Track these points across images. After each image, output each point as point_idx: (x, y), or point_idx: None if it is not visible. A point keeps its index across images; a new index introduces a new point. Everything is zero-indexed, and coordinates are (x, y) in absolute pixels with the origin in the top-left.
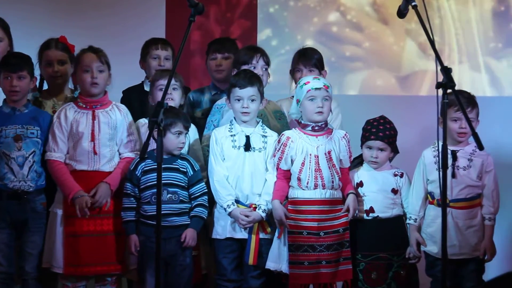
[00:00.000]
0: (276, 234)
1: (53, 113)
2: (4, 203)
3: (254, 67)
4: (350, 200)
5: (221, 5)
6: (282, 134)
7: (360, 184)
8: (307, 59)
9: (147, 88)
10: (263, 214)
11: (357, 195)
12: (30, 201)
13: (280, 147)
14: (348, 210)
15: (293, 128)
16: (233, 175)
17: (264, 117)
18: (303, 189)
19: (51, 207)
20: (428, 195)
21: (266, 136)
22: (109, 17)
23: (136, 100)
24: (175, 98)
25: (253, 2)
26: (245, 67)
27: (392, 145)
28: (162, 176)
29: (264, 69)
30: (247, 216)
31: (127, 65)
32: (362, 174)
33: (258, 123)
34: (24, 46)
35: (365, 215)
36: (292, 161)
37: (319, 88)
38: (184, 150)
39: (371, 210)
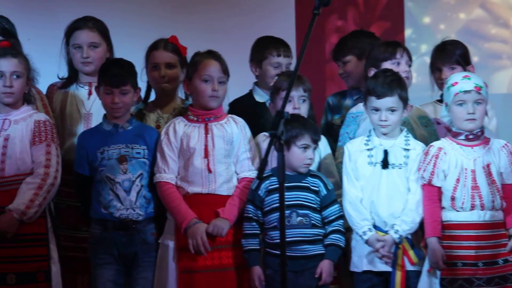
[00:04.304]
0: (426, 265)
1: (157, 127)
2: (110, 235)
3: (399, 63)
4: None
5: (359, 7)
6: (431, 145)
7: None
8: (446, 56)
9: (259, 98)
10: (396, 236)
11: None
12: (140, 231)
13: (431, 159)
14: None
15: (442, 138)
16: (367, 196)
17: (407, 125)
18: (457, 211)
19: (161, 238)
20: None
21: (408, 150)
22: (229, 16)
23: (246, 114)
24: (303, 112)
25: (395, 2)
26: (386, 63)
27: None
28: (290, 196)
29: (408, 65)
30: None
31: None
32: None
33: (402, 131)
34: (130, 48)
35: None
36: (444, 177)
37: (469, 91)
38: (314, 167)
39: None
